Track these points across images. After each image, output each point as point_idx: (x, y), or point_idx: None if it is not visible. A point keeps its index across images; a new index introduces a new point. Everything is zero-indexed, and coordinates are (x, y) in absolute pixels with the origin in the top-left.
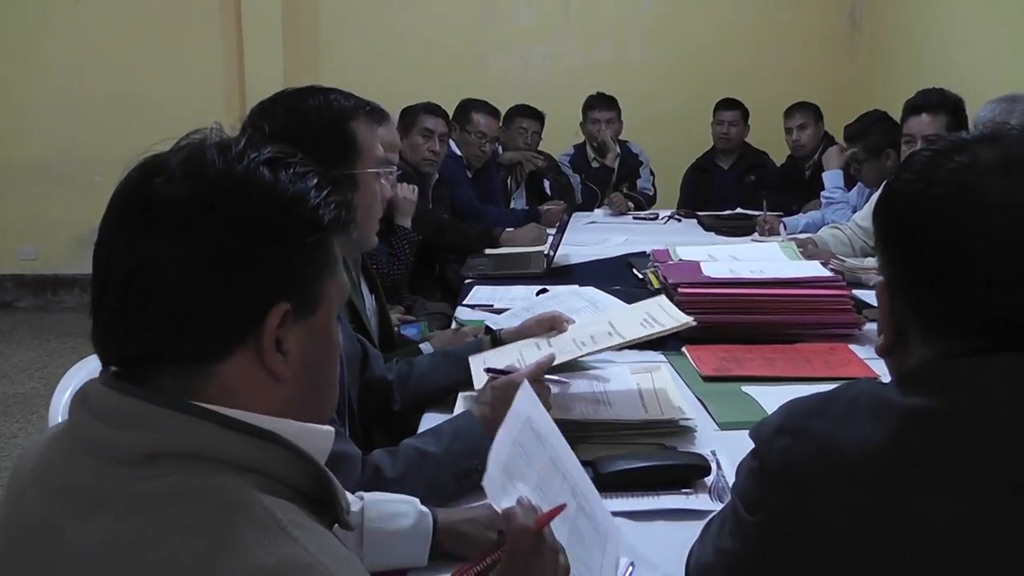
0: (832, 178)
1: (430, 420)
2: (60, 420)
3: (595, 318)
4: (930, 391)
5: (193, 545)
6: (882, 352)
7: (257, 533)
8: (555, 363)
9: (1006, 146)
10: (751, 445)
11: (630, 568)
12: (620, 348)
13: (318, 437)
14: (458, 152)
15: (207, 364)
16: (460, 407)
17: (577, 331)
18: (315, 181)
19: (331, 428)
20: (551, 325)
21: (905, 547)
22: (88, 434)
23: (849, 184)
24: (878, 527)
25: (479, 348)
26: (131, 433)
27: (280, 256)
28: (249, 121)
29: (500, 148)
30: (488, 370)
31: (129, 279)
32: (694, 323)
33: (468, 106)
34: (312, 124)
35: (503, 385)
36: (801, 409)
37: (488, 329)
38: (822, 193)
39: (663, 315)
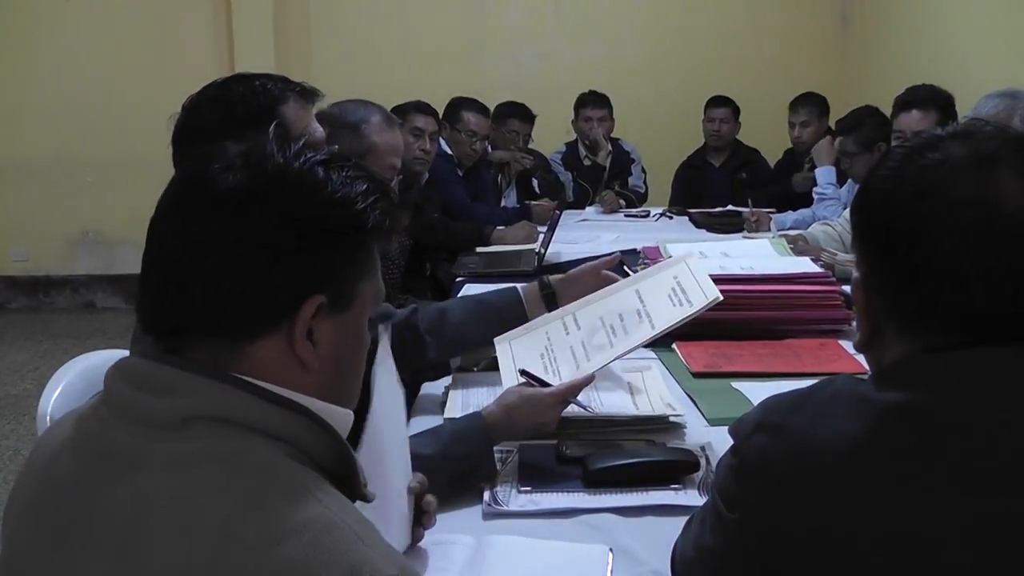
0: (824, 174)
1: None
2: (49, 420)
3: (621, 291)
4: (907, 386)
5: (222, 502)
6: (860, 348)
7: (284, 493)
8: (591, 370)
9: (978, 142)
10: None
11: (610, 556)
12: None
13: (339, 418)
14: (448, 151)
15: (241, 342)
16: (451, 403)
17: (604, 306)
18: (364, 187)
19: (350, 412)
20: (603, 277)
21: (883, 541)
22: (123, 401)
23: (842, 180)
24: (856, 522)
25: (516, 299)
26: (166, 398)
27: (322, 251)
28: (180, 117)
29: (489, 146)
30: (523, 372)
31: (181, 254)
32: (722, 298)
33: (458, 104)
34: (239, 114)
35: (529, 399)
36: (779, 405)
37: (541, 281)
38: (814, 189)
39: (693, 287)
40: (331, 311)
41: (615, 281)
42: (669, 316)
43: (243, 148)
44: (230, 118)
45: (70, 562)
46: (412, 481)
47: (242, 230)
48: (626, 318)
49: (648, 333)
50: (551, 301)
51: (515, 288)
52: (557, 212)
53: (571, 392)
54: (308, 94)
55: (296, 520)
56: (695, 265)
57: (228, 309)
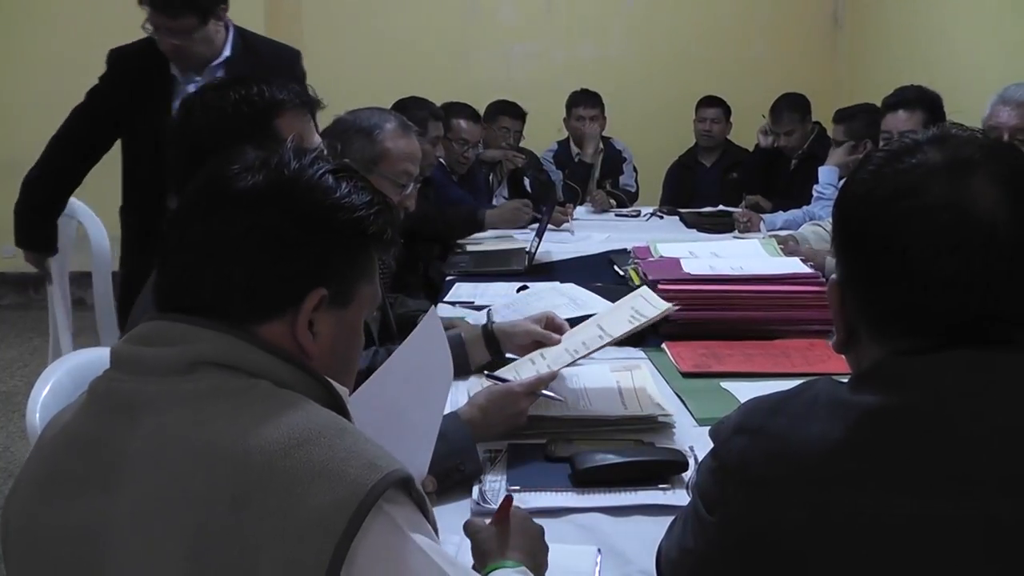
0: (826, 174)
1: None
2: (38, 417)
3: (584, 325)
4: (884, 389)
5: (236, 423)
6: (838, 349)
7: (294, 409)
8: (551, 369)
9: (953, 147)
10: None
11: (598, 556)
12: (609, 345)
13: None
14: (442, 160)
15: (248, 324)
16: None
17: (569, 340)
18: (369, 198)
19: (347, 389)
20: (546, 325)
21: (862, 544)
22: (131, 358)
23: None
24: (835, 525)
25: (458, 343)
26: (173, 348)
27: (326, 249)
28: (177, 115)
29: (481, 146)
30: (488, 375)
31: (201, 241)
32: (676, 308)
33: (449, 111)
34: (230, 124)
35: (499, 393)
36: (759, 408)
37: (485, 328)
38: (815, 187)
39: (647, 306)
40: (332, 305)
41: (554, 332)
42: (626, 327)
43: (263, 154)
44: (221, 126)
45: (91, 509)
46: (426, 480)
47: (256, 223)
48: (588, 341)
49: (607, 340)
50: (494, 347)
51: (459, 334)
52: (547, 211)
53: (537, 385)
54: (308, 104)
55: (310, 428)
56: (647, 293)
57: (239, 292)
